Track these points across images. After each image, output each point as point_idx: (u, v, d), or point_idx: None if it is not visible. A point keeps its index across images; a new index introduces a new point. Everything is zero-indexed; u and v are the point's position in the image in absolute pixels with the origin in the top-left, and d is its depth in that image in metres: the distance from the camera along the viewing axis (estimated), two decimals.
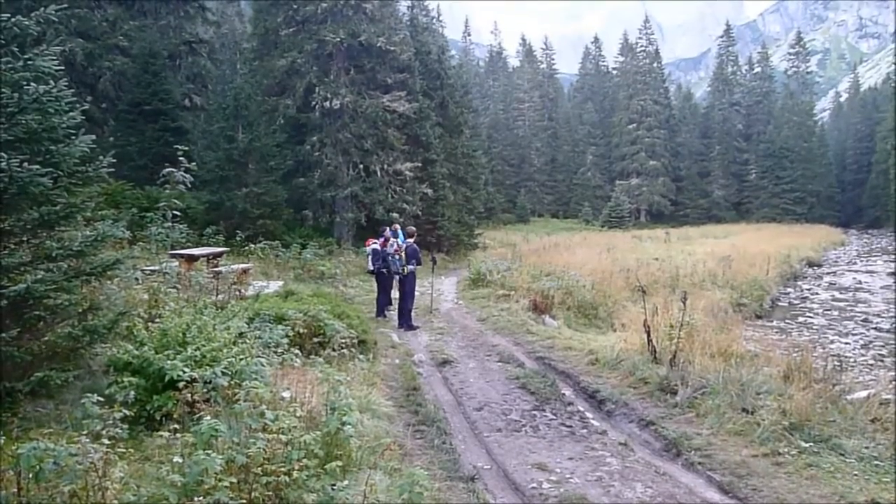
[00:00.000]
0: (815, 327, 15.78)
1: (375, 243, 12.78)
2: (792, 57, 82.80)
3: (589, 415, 7.04)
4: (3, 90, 4.97)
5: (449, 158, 29.41)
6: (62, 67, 5.55)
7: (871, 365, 11.66)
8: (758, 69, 77.76)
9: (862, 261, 33.45)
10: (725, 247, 27.79)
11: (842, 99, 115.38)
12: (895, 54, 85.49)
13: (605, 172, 69.18)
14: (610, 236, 37.59)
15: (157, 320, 6.03)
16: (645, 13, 77.84)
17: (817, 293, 21.69)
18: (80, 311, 5.52)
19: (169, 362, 4.85)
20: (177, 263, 9.86)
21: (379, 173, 23.19)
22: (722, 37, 79.40)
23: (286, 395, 4.53)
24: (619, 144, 68.50)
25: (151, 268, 9.20)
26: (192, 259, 10.58)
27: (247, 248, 16.16)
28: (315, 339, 7.38)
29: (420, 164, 24.91)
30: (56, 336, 5.20)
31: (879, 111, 70.96)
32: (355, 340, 7.64)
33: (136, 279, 8.26)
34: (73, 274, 5.41)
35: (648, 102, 67.06)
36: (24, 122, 5.07)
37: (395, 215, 21.25)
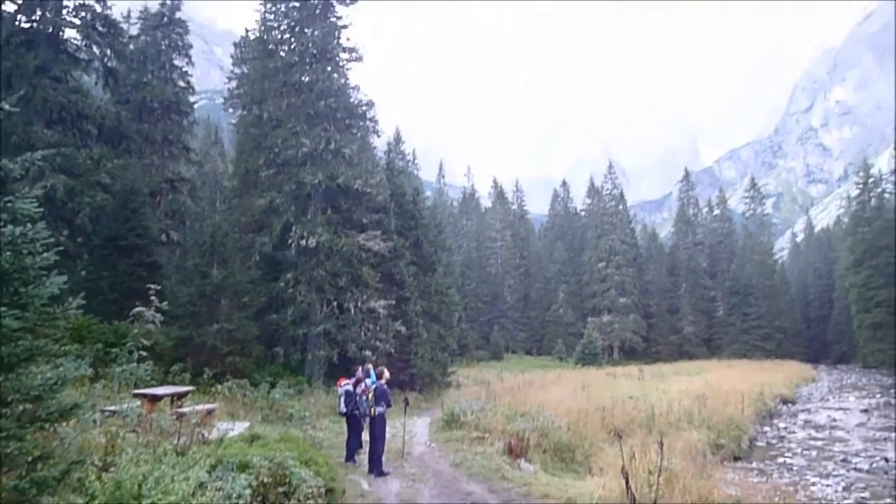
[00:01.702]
0: (794, 468, 15.46)
1: (348, 384, 12.48)
2: (748, 200, 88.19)
3: None
4: None
5: (423, 296, 29.66)
6: (41, 209, 5.60)
7: None
8: (717, 211, 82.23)
9: (834, 397, 33.51)
10: (699, 384, 27.72)
11: (798, 239, 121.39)
12: (845, 197, 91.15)
13: (577, 309, 69.98)
14: (584, 373, 37.34)
15: (112, 469, 5.69)
16: (609, 158, 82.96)
17: (794, 432, 21.47)
18: (30, 459, 5.19)
19: None
20: (139, 403, 9.49)
21: (352, 310, 23.19)
22: (682, 181, 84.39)
23: None
24: (590, 282, 70.00)
25: (111, 408, 8.83)
26: (155, 399, 10.21)
27: (214, 386, 15.65)
28: (280, 489, 6.98)
29: (394, 302, 25.05)
30: (0, 489, 4.86)
31: (834, 250, 74.65)
32: (322, 490, 7.27)
33: (95, 421, 7.88)
34: (28, 420, 5.15)
35: (616, 242, 69.48)
36: None
37: (368, 353, 21.03)
